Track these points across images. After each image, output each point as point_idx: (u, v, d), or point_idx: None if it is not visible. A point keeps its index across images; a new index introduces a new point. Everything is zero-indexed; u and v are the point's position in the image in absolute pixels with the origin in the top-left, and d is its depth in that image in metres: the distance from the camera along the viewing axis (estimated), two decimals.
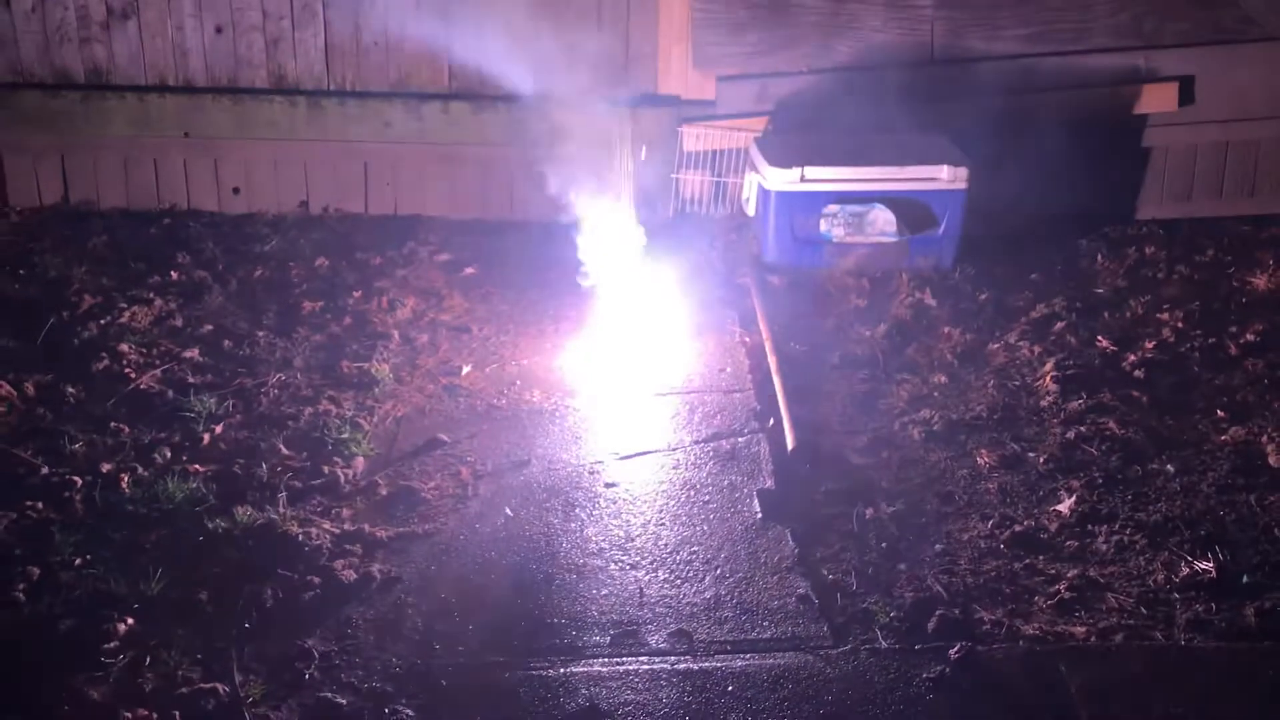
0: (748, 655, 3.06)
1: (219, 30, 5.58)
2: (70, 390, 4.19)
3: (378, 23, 5.57)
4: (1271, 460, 3.83)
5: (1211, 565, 3.34)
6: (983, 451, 3.92)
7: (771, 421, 4.12)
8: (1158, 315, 4.79)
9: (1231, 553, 3.41)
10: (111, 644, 3.03)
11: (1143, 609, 3.21)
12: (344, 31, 5.58)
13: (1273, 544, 3.46)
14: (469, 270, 5.26)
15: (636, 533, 3.57)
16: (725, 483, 3.82)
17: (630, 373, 4.46)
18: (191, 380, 4.30)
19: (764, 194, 5.13)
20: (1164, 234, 5.58)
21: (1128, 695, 2.93)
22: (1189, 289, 5.05)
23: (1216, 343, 4.57)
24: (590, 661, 3.05)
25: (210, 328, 4.70)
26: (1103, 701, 2.90)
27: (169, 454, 3.85)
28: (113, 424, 4.00)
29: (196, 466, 3.78)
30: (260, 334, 4.65)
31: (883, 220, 5.11)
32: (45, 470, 3.74)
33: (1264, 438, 3.93)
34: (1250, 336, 4.59)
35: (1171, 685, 2.94)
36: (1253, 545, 3.46)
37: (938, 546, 3.49)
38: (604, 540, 3.53)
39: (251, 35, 5.59)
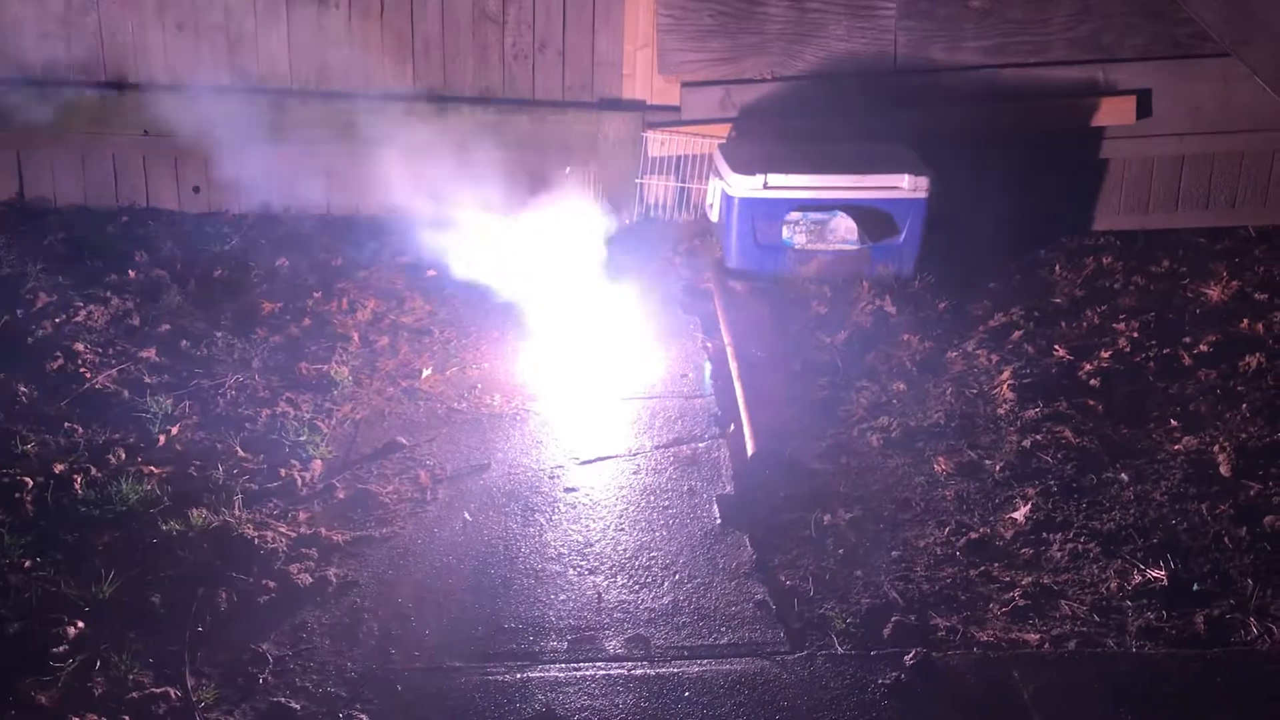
0: (705, 661, 3.07)
1: (180, 28, 5.53)
2: (23, 389, 4.13)
3: (340, 24, 5.54)
4: (1223, 470, 3.89)
5: (1163, 573, 3.38)
6: (940, 459, 3.95)
7: (732, 427, 4.14)
8: (1114, 325, 4.85)
9: (1183, 561, 3.46)
10: (61, 647, 3.00)
11: (1095, 616, 3.25)
12: (307, 31, 5.55)
13: (1223, 552, 3.51)
14: (431, 272, 5.23)
15: (596, 538, 3.56)
16: (685, 488, 3.82)
17: (592, 377, 4.45)
18: (148, 380, 4.26)
19: (727, 200, 5.15)
20: (1121, 245, 5.65)
21: (1080, 701, 2.96)
22: (1145, 299, 5.12)
23: (1171, 353, 4.63)
24: (547, 667, 3.04)
25: (168, 327, 4.65)
26: (1055, 707, 2.93)
27: (123, 455, 3.81)
28: (66, 424, 3.95)
29: (151, 468, 3.74)
30: (218, 334, 4.61)
31: (844, 228, 5.14)
32: None
33: (1215, 447, 3.98)
34: (1204, 347, 4.65)
35: (1123, 692, 2.98)
36: (1204, 554, 3.51)
37: (894, 553, 3.51)
38: (563, 545, 3.53)
39: (214, 34, 5.54)
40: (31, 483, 3.62)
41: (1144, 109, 5.68)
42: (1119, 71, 5.66)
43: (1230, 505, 3.70)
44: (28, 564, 3.29)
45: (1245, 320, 4.87)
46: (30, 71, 5.56)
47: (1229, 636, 3.18)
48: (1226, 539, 3.56)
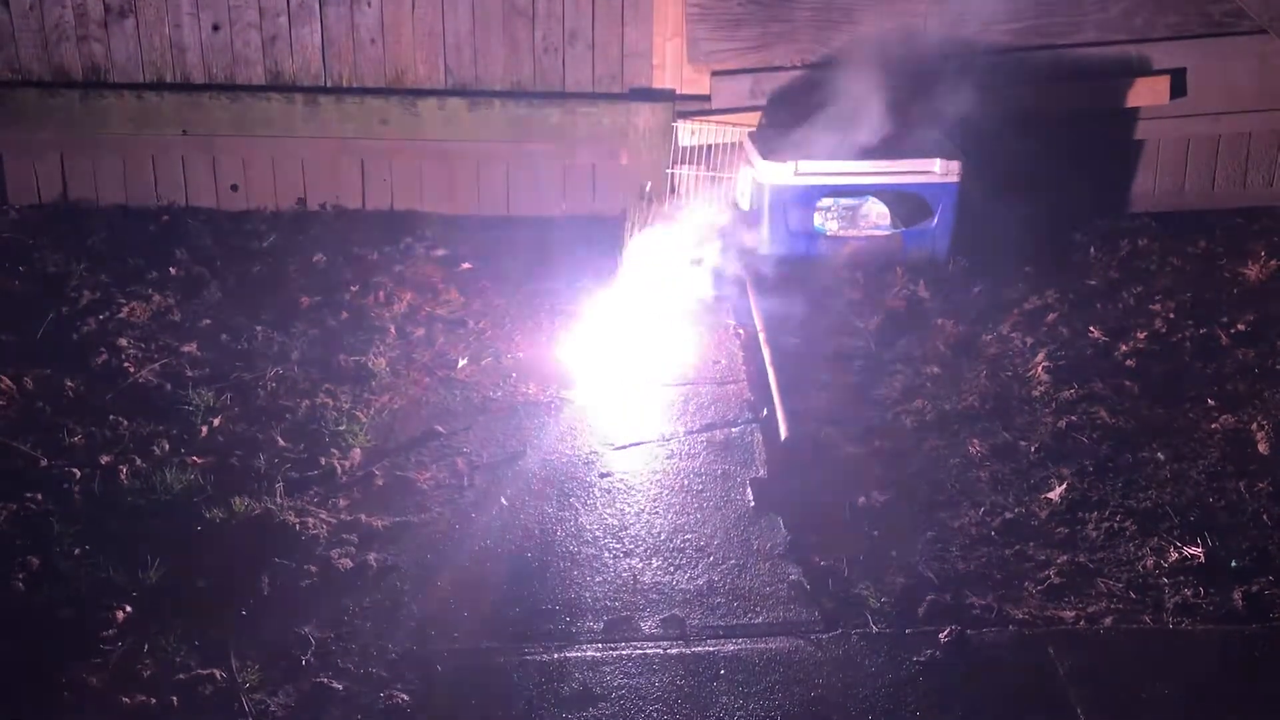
0: (739, 640, 3.10)
1: (216, 28, 5.61)
2: (69, 384, 4.22)
3: (374, 20, 5.61)
4: (1261, 448, 3.87)
5: (1200, 551, 3.37)
6: (974, 441, 3.95)
7: (765, 412, 4.15)
8: (1150, 306, 4.82)
9: (1220, 538, 3.44)
10: (110, 631, 3.08)
11: (1132, 594, 3.25)
12: (341, 28, 5.61)
13: (1261, 529, 3.50)
14: (465, 265, 5.27)
15: (630, 521, 3.60)
16: (719, 472, 3.85)
17: (625, 365, 4.49)
18: (190, 374, 4.33)
19: (758, 188, 5.16)
20: (1157, 226, 5.60)
21: (1116, 677, 2.96)
22: (1181, 280, 5.08)
23: (1208, 332, 4.60)
24: (584, 647, 3.08)
25: (208, 322, 4.73)
26: (1091, 683, 2.93)
27: (167, 446, 3.88)
28: (111, 417, 4.03)
29: (194, 458, 3.82)
30: (258, 328, 4.67)
31: (876, 213, 5.14)
32: (45, 463, 3.78)
33: (1254, 425, 3.96)
34: (1241, 326, 4.62)
35: (1159, 667, 2.98)
36: (1241, 531, 3.49)
37: (929, 534, 3.52)
38: (598, 529, 3.56)
39: (248, 32, 5.62)
40: (79, 474, 3.71)
41: (1179, 88, 5.62)
42: (1153, 51, 5.60)
43: (1269, 483, 3.69)
44: (77, 552, 3.37)
45: None
46: (71, 74, 5.66)
47: (1268, 613, 3.17)
48: (1265, 516, 3.55)
